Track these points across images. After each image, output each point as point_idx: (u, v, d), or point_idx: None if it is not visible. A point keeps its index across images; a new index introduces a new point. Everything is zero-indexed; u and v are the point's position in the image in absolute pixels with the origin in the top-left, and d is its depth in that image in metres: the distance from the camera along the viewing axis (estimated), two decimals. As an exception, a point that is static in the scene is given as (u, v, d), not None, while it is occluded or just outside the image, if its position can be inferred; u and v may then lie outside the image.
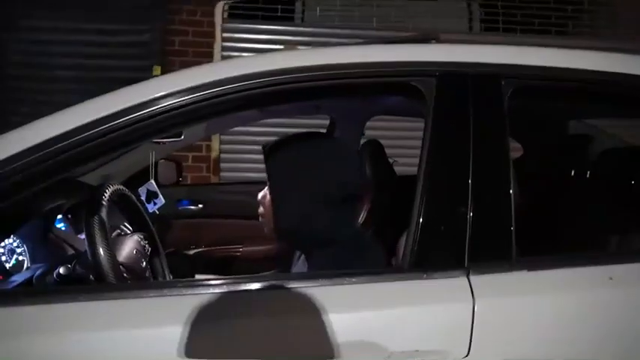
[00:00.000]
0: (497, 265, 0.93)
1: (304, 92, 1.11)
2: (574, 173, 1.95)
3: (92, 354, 0.83)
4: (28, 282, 1.19)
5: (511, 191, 0.97)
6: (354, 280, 0.90)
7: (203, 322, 0.83)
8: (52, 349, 0.83)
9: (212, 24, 3.83)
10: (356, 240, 1.15)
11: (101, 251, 1.07)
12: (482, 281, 0.90)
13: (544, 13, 3.94)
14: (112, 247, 1.12)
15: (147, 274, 1.33)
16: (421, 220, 0.94)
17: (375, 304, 0.88)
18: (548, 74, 1.06)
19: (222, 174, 3.88)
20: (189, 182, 3.70)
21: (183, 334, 0.82)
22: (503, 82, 1.04)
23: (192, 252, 2.39)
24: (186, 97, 0.95)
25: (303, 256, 1.22)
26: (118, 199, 1.31)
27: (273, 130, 3.85)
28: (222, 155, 3.89)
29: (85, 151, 0.92)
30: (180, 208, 2.39)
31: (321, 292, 0.88)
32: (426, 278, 0.90)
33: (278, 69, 1.01)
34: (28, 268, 1.37)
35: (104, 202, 1.17)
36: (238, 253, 2.44)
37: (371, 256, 1.14)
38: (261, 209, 1.20)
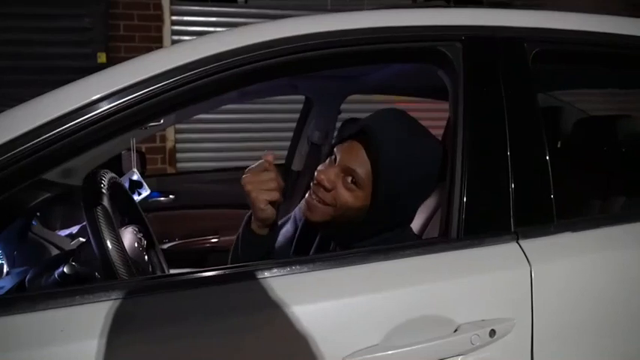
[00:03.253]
0: (542, 229, 0.92)
1: (317, 62, 1.04)
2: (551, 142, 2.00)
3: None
4: (18, 287, 1.06)
5: (547, 154, 0.96)
6: (407, 252, 0.85)
7: (262, 308, 0.76)
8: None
9: (159, 7, 3.63)
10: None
11: (109, 244, 0.96)
12: (533, 245, 0.89)
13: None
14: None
15: (149, 269, 1.22)
16: (466, 189, 0.90)
17: (433, 277, 0.84)
18: (569, 37, 1.06)
19: (179, 164, 3.71)
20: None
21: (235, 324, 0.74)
22: (525, 45, 1.03)
23: (165, 246, 2.26)
24: (161, 84, 0.83)
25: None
26: (111, 188, 1.18)
27: (230, 117, 3.74)
28: (178, 145, 3.71)
29: (51, 153, 0.79)
30: (149, 200, 2.24)
31: (375, 268, 0.83)
32: (478, 246, 0.88)
33: (281, 38, 0.93)
34: (8, 272, 1.21)
35: (104, 191, 1.05)
36: (215, 244, 2.33)
37: None
38: (326, 196, 0.98)
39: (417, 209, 1.06)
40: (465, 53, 0.99)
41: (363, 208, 0.97)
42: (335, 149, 1.02)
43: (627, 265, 0.92)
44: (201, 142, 3.73)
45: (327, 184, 0.97)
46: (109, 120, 0.82)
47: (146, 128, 1.62)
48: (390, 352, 0.76)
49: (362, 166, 0.96)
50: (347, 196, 0.97)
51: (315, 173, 1.00)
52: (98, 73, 0.87)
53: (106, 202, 1.02)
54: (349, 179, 0.97)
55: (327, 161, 1.02)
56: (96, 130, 0.82)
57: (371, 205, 0.96)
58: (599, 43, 1.07)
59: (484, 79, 0.98)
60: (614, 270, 0.90)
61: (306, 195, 1.02)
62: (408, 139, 0.96)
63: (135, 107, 0.83)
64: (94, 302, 0.74)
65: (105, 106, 0.81)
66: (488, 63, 0.99)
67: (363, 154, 0.96)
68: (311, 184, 1.01)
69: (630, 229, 0.96)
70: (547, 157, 0.96)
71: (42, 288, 1.01)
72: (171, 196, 2.28)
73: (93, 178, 1.08)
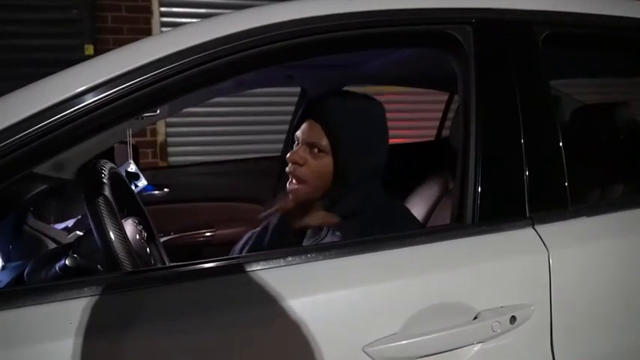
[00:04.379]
0: (557, 214, 0.91)
1: (319, 47, 1.01)
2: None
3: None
4: (16, 281, 1.02)
5: (560, 139, 0.95)
6: (423, 239, 0.83)
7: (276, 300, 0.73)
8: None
9: (147, -2, 3.56)
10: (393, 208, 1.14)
11: (113, 235, 0.92)
12: (550, 231, 0.88)
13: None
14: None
15: (151, 261, 1.19)
16: (480, 174, 0.89)
17: (451, 263, 0.82)
18: (579, 20, 1.04)
19: (171, 159, 3.65)
20: (135, 170, 3.44)
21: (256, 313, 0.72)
22: (535, 28, 1.01)
23: (160, 240, 2.21)
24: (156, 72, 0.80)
25: (330, 231, 1.12)
26: (111, 178, 1.15)
27: (222, 110, 3.68)
28: (169, 139, 3.65)
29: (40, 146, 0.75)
30: (144, 194, 2.20)
31: (391, 255, 0.81)
32: (494, 232, 0.86)
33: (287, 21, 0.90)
34: (4, 266, 1.17)
35: (105, 181, 1.01)
36: (210, 238, 2.30)
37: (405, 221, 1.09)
38: (301, 171, 1.12)
39: (381, 163, 1.15)
40: (475, 36, 0.97)
41: (333, 171, 1.12)
42: (295, 136, 1.16)
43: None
44: (192, 135, 3.67)
45: (299, 161, 1.11)
46: (100, 111, 0.78)
47: (142, 118, 1.58)
48: (410, 341, 0.74)
49: (320, 134, 1.11)
50: (319, 165, 1.11)
51: (286, 158, 1.13)
52: (89, 60, 0.83)
53: (107, 192, 0.98)
54: (316, 150, 1.11)
55: (294, 147, 1.16)
56: (87, 121, 0.78)
57: (337, 162, 1.10)
58: (610, 27, 1.06)
59: (495, 63, 0.96)
60: (631, 254, 0.90)
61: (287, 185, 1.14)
62: (346, 100, 1.15)
63: (127, 97, 0.79)
64: (102, 294, 0.71)
65: (96, 97, 0.78)
66: (499, 46, 0.97)
67: (317, 126, 1.11)
68: (286, 169, 1.14)
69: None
70: (560, 142, 0.95)
71: (42, 281, 0.98)
72: (165, 190, 2.23)
73: (93, 168, 1.04)
